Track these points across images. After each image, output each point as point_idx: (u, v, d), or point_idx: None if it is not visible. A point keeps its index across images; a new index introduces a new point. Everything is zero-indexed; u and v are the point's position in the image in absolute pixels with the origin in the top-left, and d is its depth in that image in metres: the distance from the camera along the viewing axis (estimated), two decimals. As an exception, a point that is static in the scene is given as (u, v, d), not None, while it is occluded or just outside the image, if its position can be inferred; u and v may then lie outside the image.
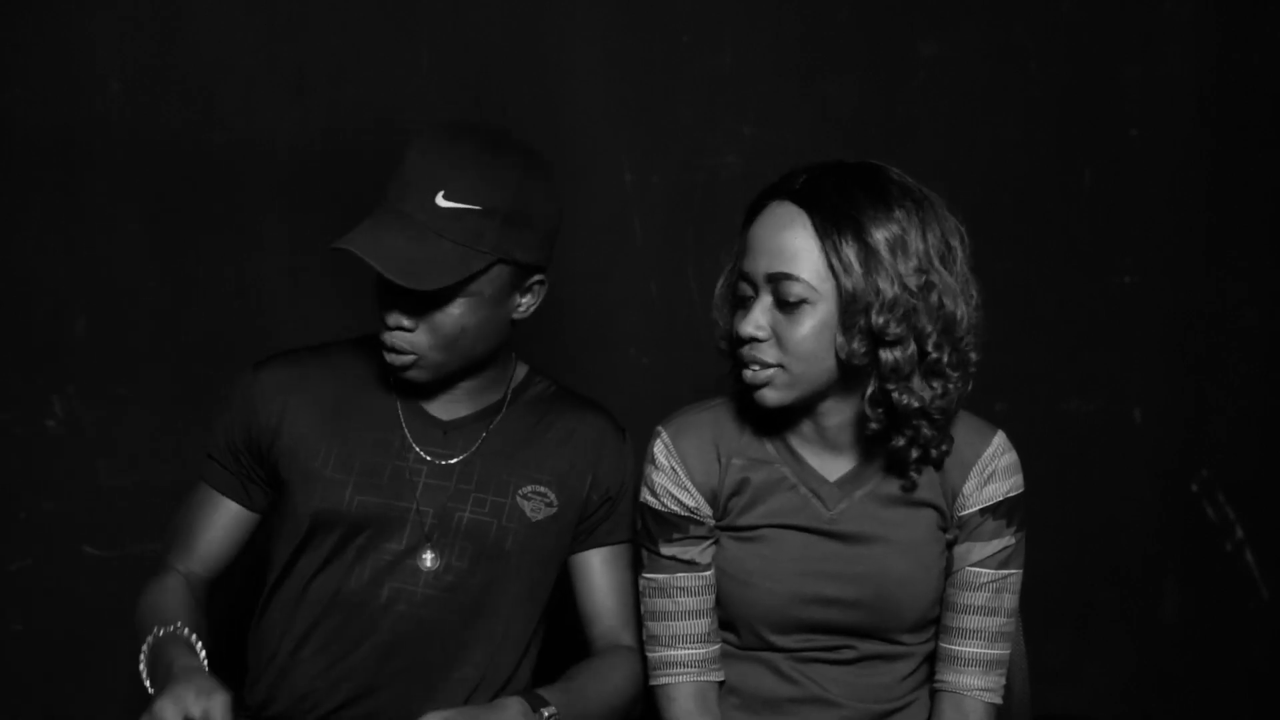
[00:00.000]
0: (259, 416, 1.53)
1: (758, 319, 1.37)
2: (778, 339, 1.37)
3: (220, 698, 1.22)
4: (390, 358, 1.46)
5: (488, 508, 1.51)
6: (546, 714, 1.38)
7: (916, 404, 1.36)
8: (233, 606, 1.68)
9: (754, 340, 1.37)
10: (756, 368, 1.38)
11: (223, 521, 1.56)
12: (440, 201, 1.39)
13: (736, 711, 1.50)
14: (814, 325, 1.35)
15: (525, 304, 1.51)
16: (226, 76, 2.02)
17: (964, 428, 1.47)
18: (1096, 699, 2.29)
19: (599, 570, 1.58)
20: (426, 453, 1.52)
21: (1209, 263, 2.25)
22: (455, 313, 1.43)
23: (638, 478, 1.55)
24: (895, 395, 1.36)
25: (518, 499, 1.52)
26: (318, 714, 1.50)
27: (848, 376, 1.39)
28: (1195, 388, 2.28)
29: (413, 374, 1.47)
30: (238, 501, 1.56)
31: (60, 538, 2.05)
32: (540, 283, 1.51)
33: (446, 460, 1.52)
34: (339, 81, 2.04)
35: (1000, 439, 1.48)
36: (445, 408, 1.54)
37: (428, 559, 1.49)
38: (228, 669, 1.83)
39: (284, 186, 2.04)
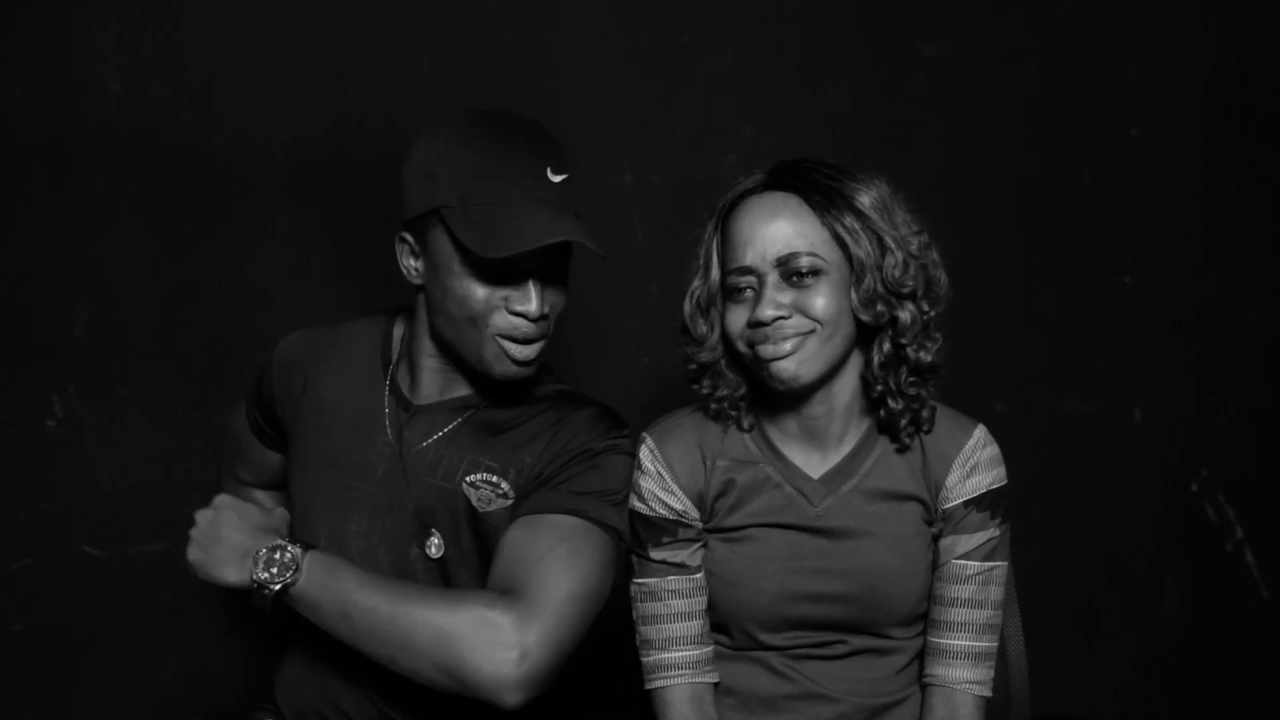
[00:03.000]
0: (275, 392, 1.57)
1: (775, 299, 1.38)
2: (799, 314, 1.39)
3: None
4: (523, 352, 1.41)
5: (435, 494, 1.46)
6: (279, 543, 1.34)
7: (928, 358, 1.41)
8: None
9: (778, 320, 1.39)
10: (783, 344, 1.39)
11: (264, 456, 1.68)
12: (551, 177, 1.38)
13: (733, 712, 1.50)
14: (831, 293, 1.39)
15: None
16: (226, 76, 2.02)
17: (945, 421, 1.48)
18: (1097, 699, 2.29)
19: (508, 533, 1.39)
20: (391, 434, 1.49)
21: (1209, 263, 2.25)
22: (564, 288, 1.46)
23: (611, 469, 1.46)
24: (910, 351, 1.40)
25: (463, 486, 1.46)
26: (310, 710, 1.50)
27: (855, 348, 1.44)
28: (1195, 388, 2.28)
29: (530, 370, 1.44)
30: (259, 440, 1.66)
31: (60, 538, 2.05)
32: None
33: (406, 446, 1.49)
34: (339, 81, 2.05)
35: (981, 431, 1.49)
36: (424, 393, 1.50)
37: (383, 546, 1.47)
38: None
39: (284, 186, 2.04)
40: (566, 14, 2.08)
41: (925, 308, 1.41)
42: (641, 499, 1.49)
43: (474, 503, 1.45)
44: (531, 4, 2.08)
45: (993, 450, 1.48)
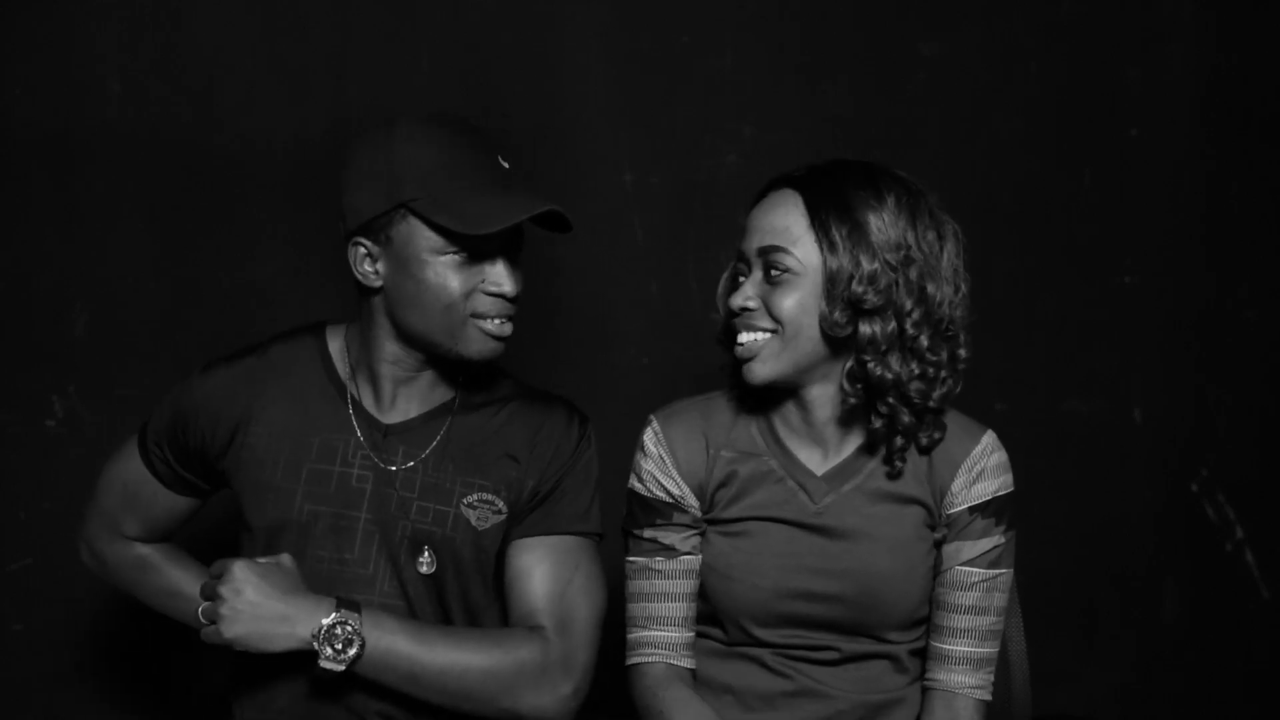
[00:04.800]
0: (204, 426, 1.49)
1: (747, 291, 1.43)
2: (767, 310, 1.41)
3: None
4: (501, 329, 1.43)
5: (431, 517, 1.47)
6: (335, 617, 1.33)
7: (890, 377, 1.39)
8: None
9: (745, 310, 1.42)
10: (748, 337, 1.42)
11: (167, 503, 1.57)
12: (503, 163, 1.42)
13: (732, 709, 1.50)
14: (799, 296, 1.39)
15: None
16: (226, 76, 2.02)
17: (953, 426, 1.48)
18: (1097, 699, 2.29)
19: (522, 558, 1.48)
20: (373, 458, 1.47)
21: (1209, 263, 2.25)
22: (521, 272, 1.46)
23: (591, 470, 1.53)
24: (870, 367, 1.39)
25: (462, 508, 1.48)
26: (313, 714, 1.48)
27: (834, 355, 1.42)
28: (1195, 388, 2.28)
29: (504, 346, 1.45)
30: (171, 489, 1.55)
31: (60, 538, 2.05)
32: None
33: (390, 466, 1.48)
34: (339, 81, 2.05)
35: (989, 438, 1.48)
36: (391, 409, 1.49)
37: (381, 570, 1.47)
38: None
39: (284, 186, 2.04)
40: (566, 14, 2.08)
41: (906, 326, 1.38)
42: (640, 480, 1.51)
43: (473, 522, 1.48)
44: (531, 4, 2.08)
45: (1000, 457, 1.48)
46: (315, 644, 1.33)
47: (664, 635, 1.48)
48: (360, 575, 1.46)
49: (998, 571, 1.47)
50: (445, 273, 1.39)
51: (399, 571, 1.47)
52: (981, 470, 1.46)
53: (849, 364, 1.42)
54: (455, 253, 1.39)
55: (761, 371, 1.42)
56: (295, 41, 2.03)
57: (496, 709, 1.41)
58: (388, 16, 2.05)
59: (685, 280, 2.13)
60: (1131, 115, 2.21)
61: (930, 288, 1.40)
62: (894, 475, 1.46)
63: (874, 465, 1.47)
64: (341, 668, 1.34)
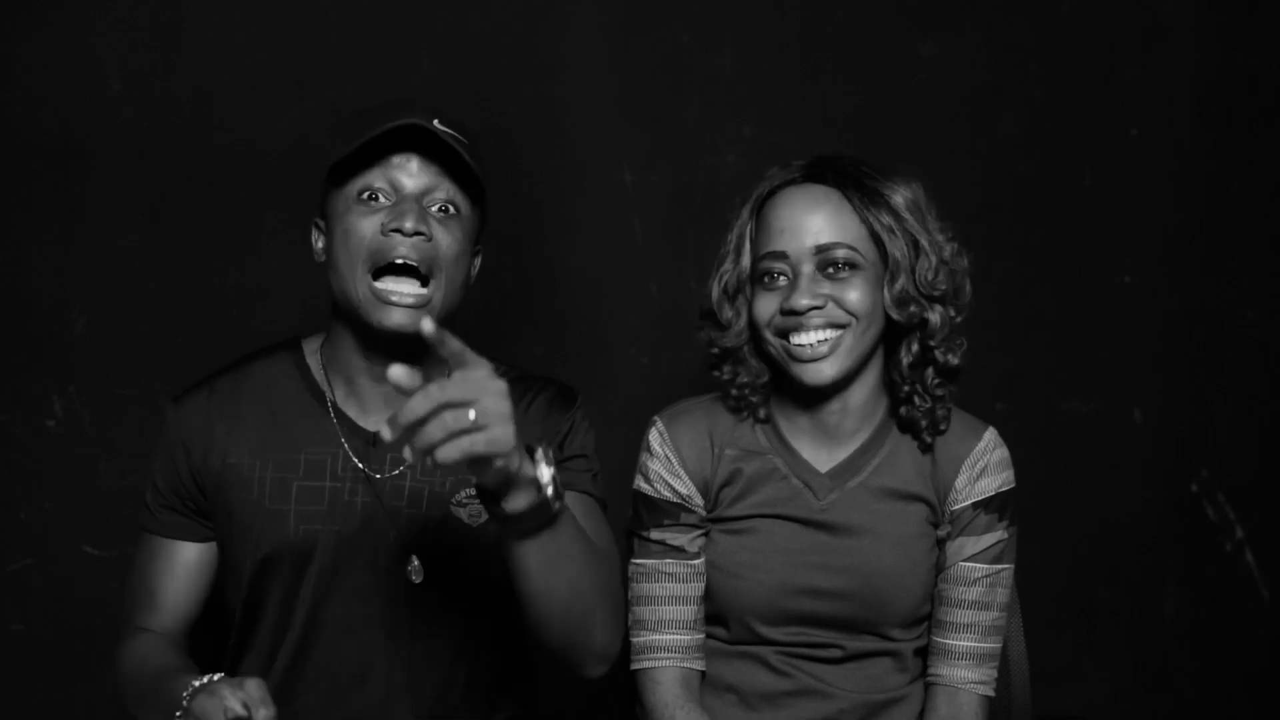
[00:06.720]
0: (192, 454, 1.47)
1: (812, 289, 1.40)
2: (833, 305, 1.41)
3: (251, 680, 1.19)
4: (398, 292, 1.35)
5: (421, 525, 1.45)
6: (543, 449, 1.18)
7: (956, 361, 1.43)
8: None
9: (813, 310, 1.40)
10: (815, 337, 1.40)
11: (183, 567, 1.48)
12: (437, 125, 1.38)
13: (733, 708, 1.51)
14: (865, 287, 1.41)
15: (474, 269, 1.50)
16: (226, 77, 2.02)
17: (955, 423, 1.50)
18: (1097, 699, 2.29)
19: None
20: (360, 468, 1.45)
21: (1209, 263, 2.25)
22: (457, 233, 1.40)
23: (590, 437, 1.52)
24: (938, 353, 1.43)
25: (453, 508, 1.46)
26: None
27: (877, 347, 1.46)
28: (1195, 388, 2.28)
29: (418, 321, 1.28)
30: (193, 540, 1.48)
31: (60, 538, 2.05)
32: (479, 252, 1.50)
33: (378, 475, 1.45)
34: (339, 81, 2.05)
35: (991, 434, 1.50)
36: (378, 413, 1.45)
37: (374, 582, 1.45)
38: None
39: (284, 187, 2.04)
40: (566, 14, 2.08)
41: (953, 313, 1.44)
42: (647, 480, 1.51)
43: (466, 520, 1.46)
44: (532, 4, 2.08)
45: (1002, 453, 1.50)
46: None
47: (676, 639, 1.49)
48: (356, 588, 1.45)
49: (1000, 567, 1.48)
50: (354, 219, 1.37)
51: (391, 583, 1.45)
52: (984, 466, 1.48)
53: (907, 355, 1.44)
54: (368, 199, 1.37)
55: (830, 370, 1.41)
56: (295, 41, 2.03)
57: (586, 624, 1.29)
58: (388, 17, 2.05)
59: (685, 280, 2.13)
60: (1131, 115, 2.21)
61: (960, 278, 1.47)
62: (926, 449, 1.48)
63: (877, 463, 1.48)
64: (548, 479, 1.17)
